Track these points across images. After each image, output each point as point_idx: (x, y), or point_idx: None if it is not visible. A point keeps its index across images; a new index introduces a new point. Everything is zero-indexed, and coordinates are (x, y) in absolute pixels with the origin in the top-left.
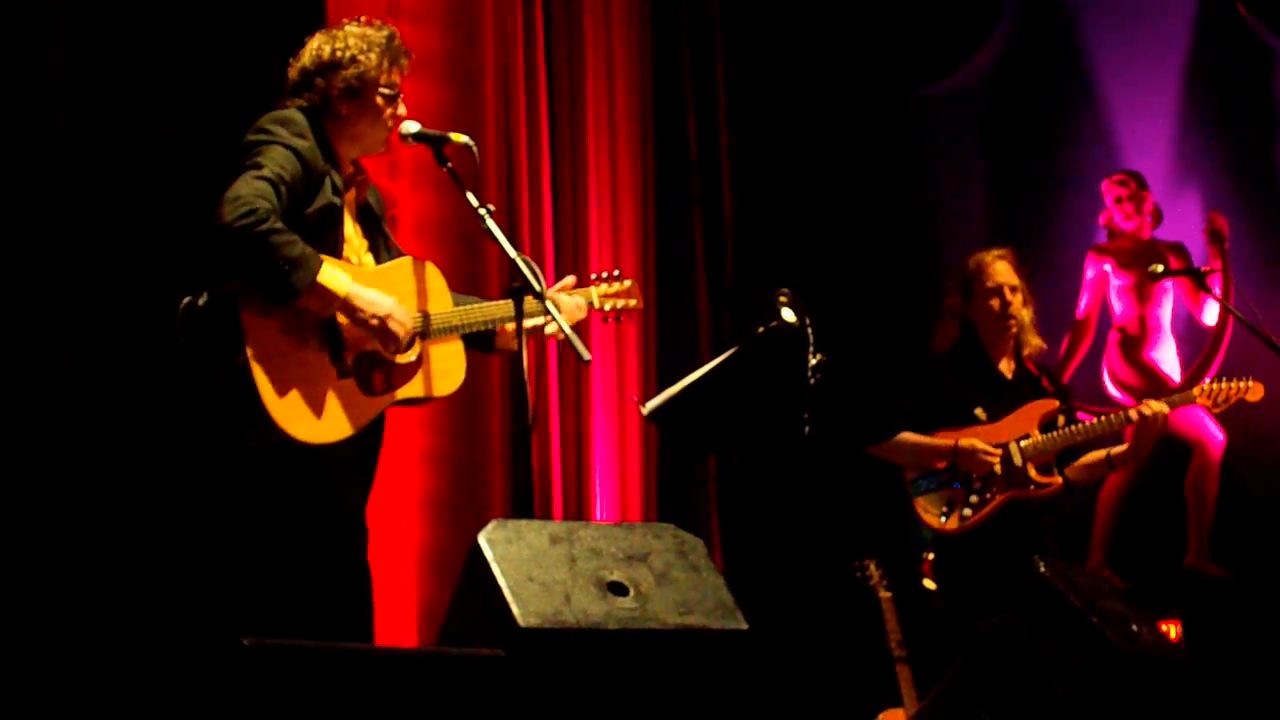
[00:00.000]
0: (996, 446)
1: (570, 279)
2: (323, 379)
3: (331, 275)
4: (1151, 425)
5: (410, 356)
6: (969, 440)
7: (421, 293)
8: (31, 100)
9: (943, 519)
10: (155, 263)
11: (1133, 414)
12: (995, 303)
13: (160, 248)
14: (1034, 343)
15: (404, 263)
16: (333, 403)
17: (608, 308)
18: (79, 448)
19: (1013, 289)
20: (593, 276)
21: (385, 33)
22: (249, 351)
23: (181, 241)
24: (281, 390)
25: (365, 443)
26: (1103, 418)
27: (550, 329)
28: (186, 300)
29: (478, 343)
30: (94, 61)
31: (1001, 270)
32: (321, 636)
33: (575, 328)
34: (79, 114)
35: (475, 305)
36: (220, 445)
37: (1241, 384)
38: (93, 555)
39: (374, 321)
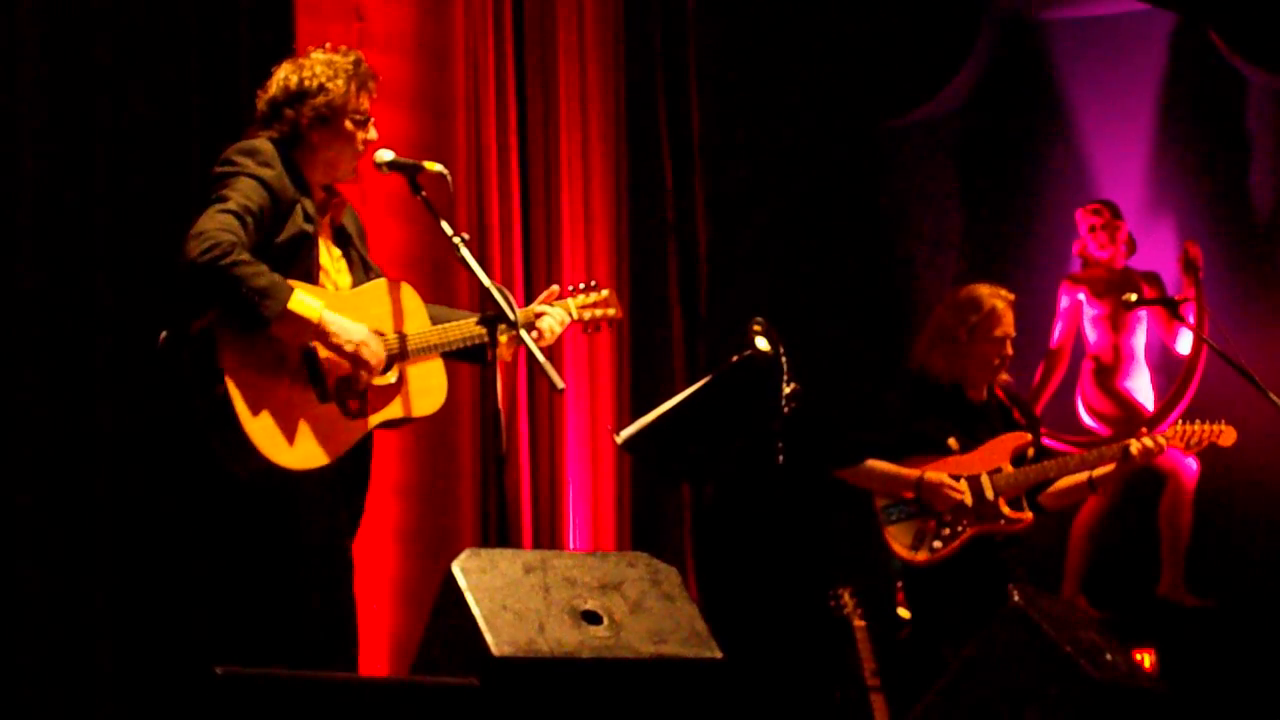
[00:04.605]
0: (968, 479)
1: (554, 288)
2: (303, 405)
3: (303, 302)
4: (1147, 458)
5: (389, 379)
6: (935, 474)
7: (398, 313)
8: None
9: (912, 550)
10: (133, 290)
11: (1134, 447)
12: (999, 350)
13: (140, 279)
14: (1003, 376)
15: (379, 285)
16: (315, 428)
17: (587, 317)
18: (57, 475)
19: (1011, 340)
20: (570, 288)
21: (352, 58)
22: (228, 381)
23: (160, 273)
24: (262, 418)
25: (352, 473)
26: (1075, 454)
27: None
28: (165, 333)
29: (459, 353)
30: (63, 96)
31: (1010, 321)
32: (305, 668)
33: (549, 353)
34: (50, 148)
35: (453, 323)
36: (205, 474)
37: (1215, 428)
38: (70, 583)
39: (348, 349)
